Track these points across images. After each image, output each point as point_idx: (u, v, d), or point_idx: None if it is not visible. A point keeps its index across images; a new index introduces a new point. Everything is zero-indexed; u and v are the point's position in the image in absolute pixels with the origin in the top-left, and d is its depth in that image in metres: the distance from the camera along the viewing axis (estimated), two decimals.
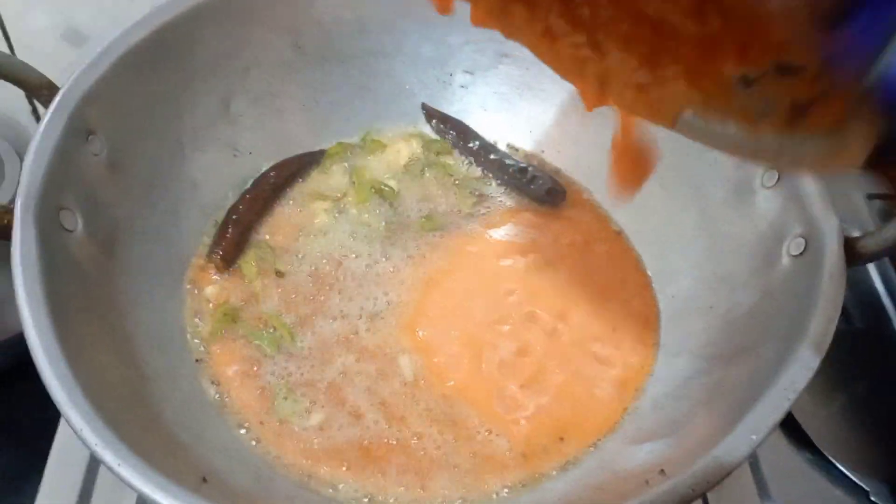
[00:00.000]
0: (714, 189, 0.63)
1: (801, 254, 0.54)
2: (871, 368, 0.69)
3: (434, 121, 0.74)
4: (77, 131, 0.52)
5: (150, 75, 0.59)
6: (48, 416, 0.53)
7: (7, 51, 0.82)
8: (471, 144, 0.73)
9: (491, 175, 0.73)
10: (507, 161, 0.72)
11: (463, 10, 0.61)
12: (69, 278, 0.48)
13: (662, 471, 0.47)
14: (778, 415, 0.44)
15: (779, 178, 0.57)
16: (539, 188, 0.70)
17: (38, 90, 0.54)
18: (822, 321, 0.48)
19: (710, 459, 0.43)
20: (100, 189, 0.54)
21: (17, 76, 0.53)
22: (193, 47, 0.62)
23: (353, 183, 0.70)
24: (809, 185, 0.55)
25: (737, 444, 0.43)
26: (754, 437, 0.43)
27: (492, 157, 0.72)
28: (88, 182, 0.53)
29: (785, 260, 0.55)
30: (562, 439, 0.57)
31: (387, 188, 0.71)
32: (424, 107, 0.74)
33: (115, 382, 0.48)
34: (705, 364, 0.56)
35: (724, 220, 0.62)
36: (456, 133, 0.74)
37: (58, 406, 0.41)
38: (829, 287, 0.49)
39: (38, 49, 0.83)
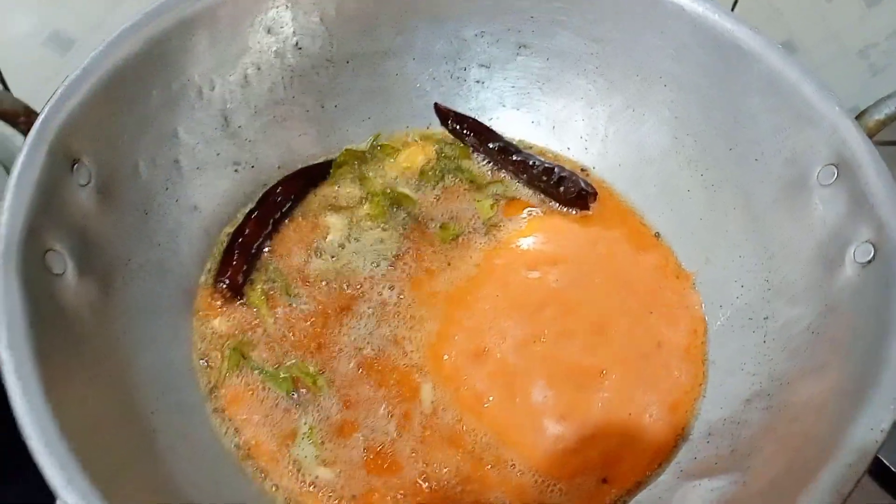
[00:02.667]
0: (762, 188, 0.58)
1: (869, 262, 0.48)
2: None
3: (449, 121, 0.69)
4: (60, 161, 0.46)
5: (138, 92, 0.53)
6: None
7: None
8: (490, 145, 0.67)
9: (514, 178, 0.67)
10: (531, 162, 0.66)
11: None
12: (60, 330, 0.43)
13: None
14: (866, 460, 0.39)
15: (838, 175, 0.52)
16: (567, 190, 0.65)
17: (15, 117, 0.48)
18: None
19: None
20: (90, 223, 0.49)
21: None
22: (185, 58, 0.56)
23: (368, 195, 0.65)
24: (875, 183, 0.49)
25: (820, 497, 0.38)
26: (840, 489, 0.38)
27: (514, 158, 0.67)
28: (77, 216, 0.48)
29: (850, 269, 0.50)
30: (605, 481, 0.52)
31: (403, 196, 0.65)
32: (437, 107, 0.69)
33: (118, 442, 0.43)
34: (765, 385, 0.51)
35: (775, 224, 0.56)
36: (473, 133, 0.68)
37: (52, 489, 0.36)
38: None
39: (20, 58, 0.77)
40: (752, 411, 0.51)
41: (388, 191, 0.65)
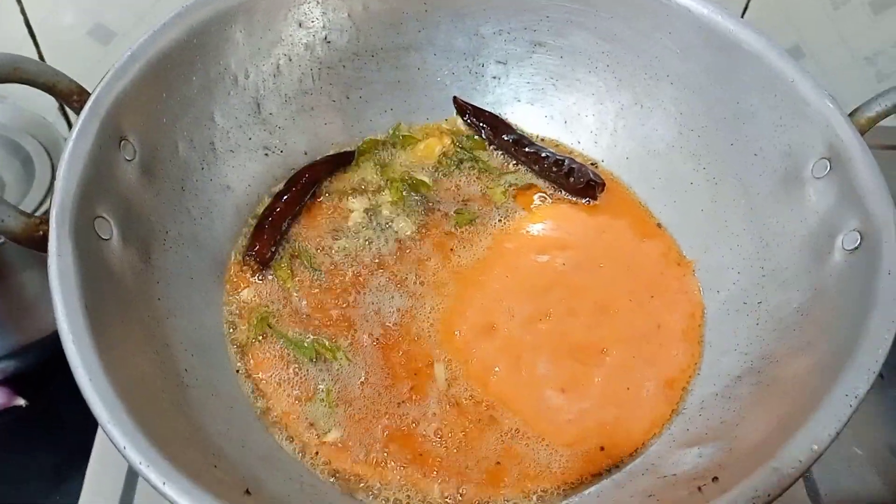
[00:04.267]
0: (760, 181, 0.61)
1: (855, 249, 0.52)
2: None
3: (467, 114, 0.73)
4: (110, 137, 0.51)
5: (180, 77, 0.58)
6: (89, 411, 0.53)
7: (33, 49, 0.82)
8: (505, 137, 0.71)
9: (526, 168, 0.71)
10: (543, 154, 0.70)
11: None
12: (107, 288, 0.48)
13: (716, 478, 0.45)
14: (840, 423, 0.42)
15: (830, 168, 0.55)
16: (577, 180, 0.68)
17: (69, 96, 0.53)
18: (883, 321, 0.46)
19: (769, 470, 0.41)
20: (134, 195, 0.53)
21: (47, 83, 0.52)
22: (223, 47, 0.60)
23: (387, 181, 0.69)
24: (865, 176, 0.53)
25: (797, 454, 0.41)
26: (815, 447, 0.41)
27: (527, 150, 0.70)
28: (122, 188, 0.52)
29: (838, 255, 0.53)
30: (602, 449, 0.55)
31: (421, 182, 0.69)
32: (456, 100, 0.73)
33: (156, 394, 0.47)
34: (756, 363, 0.55)
35: (772, 214, 0.60)
36: (489, 126, 0.72)
37: (99, 423, 0.40)
38: (888, 284, 0.47)
39: (65, 47, 0.83)
40: (742, 386, 0.54)
41: (407, 177, 0.69)
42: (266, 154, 0.66)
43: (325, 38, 0.67)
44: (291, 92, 0.67)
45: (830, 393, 0.44)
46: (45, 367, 0.72)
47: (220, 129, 0.62)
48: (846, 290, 0.51)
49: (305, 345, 0.58)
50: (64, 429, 0.72)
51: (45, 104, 0.84)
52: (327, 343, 0.59)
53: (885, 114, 0.56)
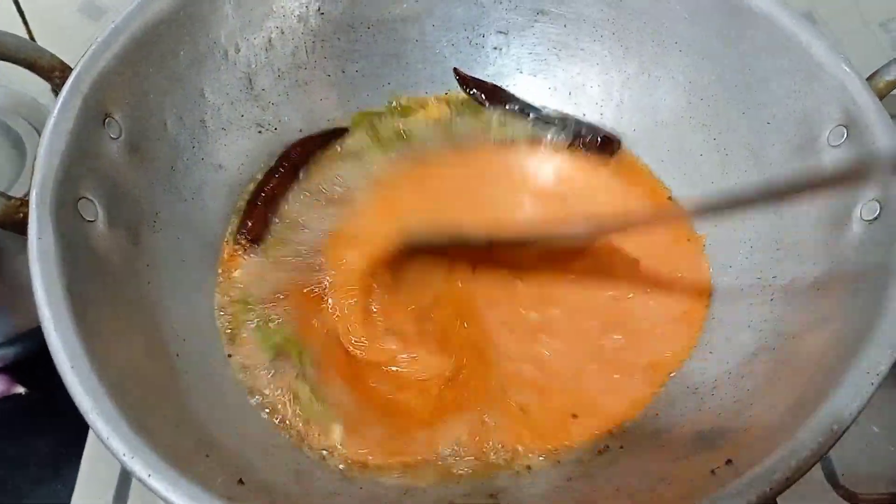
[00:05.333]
0: (773, 150, 0.59)
1: (875, 219, 0.49)
2: None
3: (467, 86, 0.70)
4: (93, 115, 0.49)
5: (167, 52, 0.55)
6: None
7: (22, 27, 0.80)
8: (508, 107, 0.69)
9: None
10: (551, 117, 0.68)
11: None
12: (91, 272, 0.46)
13: (729, 461, 0.43)
14: (861, 402, 0.40)
15: (847, 136, 0.53)
16: (588, 139, 0.66)
17: (50, 72, 0.51)
18: None
19: (787, 452, 0.39)
20: (120, 175, 0.51)
21: (27, 58, 0.50)
22: (212, 19, 0.58)
23: (379, 140, 0.67)
24: (883, 143, 0.50)
25: (815, 435, 0.39)
26: (835, 426, 0.39)
27: (532, 115, 0.68)
28: (107, 168, 0.50)
29: (856, 226, 0.50)
30: (575, 416, 0.54)
31: (412, 134, 0.67)
32: (457, 72, 0.70)
33: (145, 381, 0.46)
34: (770, 340, 0.52)
35: None
36: (491, 97, 0.69)
37: (81, 412, 0.39)
38: None
39: (54, 24, 0.80)
40: (756, 364, 0.52)
41: (401, 131, 0.67)
42: (259, 131, 0.64)
43: (319, 9, 0.64)
44: (285, 66, 0.64)
45: (850, 370, 0.42)
46: (43, 354, 0.70)
47: (210, 105, 0.60)
48: (865, 262, 0.49)
49: (272, 335, 0.56)
50: (63, 416, 0.71)
51: (36, 85, 0.82)
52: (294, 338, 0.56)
53: None
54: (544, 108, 0.70)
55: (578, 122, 0.67)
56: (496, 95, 0.70)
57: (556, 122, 0.67)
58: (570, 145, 0.67)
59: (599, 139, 0.66)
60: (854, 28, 0.89)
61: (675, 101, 0.66)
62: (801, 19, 0.56)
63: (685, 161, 0.65)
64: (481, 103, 0.70)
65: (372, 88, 0.69)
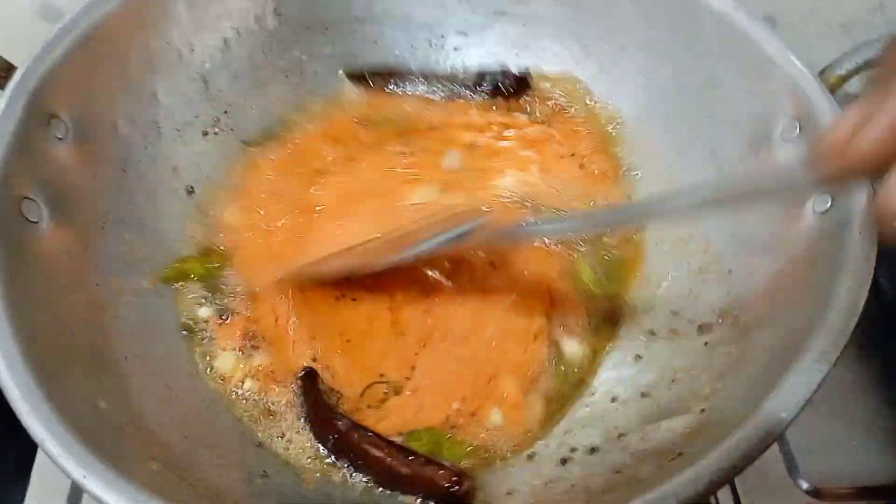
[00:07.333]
0: (730, 146, 0.59)
1: (826, 211, 0.49)
2: None
3: (367, 78, 0.69)
4: (37, 114, 0.48)
5: (116, 52, 0.55)
6: None
7: None
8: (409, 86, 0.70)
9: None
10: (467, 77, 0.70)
11: None
12: (34, 273, 0.45)
13: (680, 453, 0.43)
14: (809, 390, 0.40)
15: (800, 129, 0.53)
16: (501, 84, 0.68)
17: None
18: (853, 283, 0.44)
19: (735, 441, 0.39)
20: (67, 176, 0.51)
21: None
22: (164, 20, 0.58)
23: None
24: None
25: (764, 423, 0.39)
26: (784, 414, 0.39)
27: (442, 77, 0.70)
28: (53, 169, 0.49)
29: (810, 219, 0.51)
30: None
31: None
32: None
33: (88, 384, 0.45)
34: (726, 332, 0.52)
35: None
36: (390, 79, 0.70)
37: (18, 416, 0.38)
38: (858, 245, 0.45)
39: (12, 28, 0.79)
40: (712, 359, 0.51)
41: None
42: (216, 133, 0.63)
43: (275, 9, 0.64)
44: (241, 67, 0.64)
45: (799, 359, 0.41)
46: None
47: (164, 106, 0.59)
48: (818, 253, 0.49)
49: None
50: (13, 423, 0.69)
51: None
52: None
53: (855, 71, 0.54)
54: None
55: (492, 72, 0.69)
56: (389, 75, 0.70)
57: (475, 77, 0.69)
58: (494, 93, 0.68)
59: (516, 78, 0.68)
60: (816, 31, 0.90)
61: (634, 100, 0.66)
62: (755, 18, 0.56)
63: (644, 160, 0.65)
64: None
65: (331, 90, 0.68)
